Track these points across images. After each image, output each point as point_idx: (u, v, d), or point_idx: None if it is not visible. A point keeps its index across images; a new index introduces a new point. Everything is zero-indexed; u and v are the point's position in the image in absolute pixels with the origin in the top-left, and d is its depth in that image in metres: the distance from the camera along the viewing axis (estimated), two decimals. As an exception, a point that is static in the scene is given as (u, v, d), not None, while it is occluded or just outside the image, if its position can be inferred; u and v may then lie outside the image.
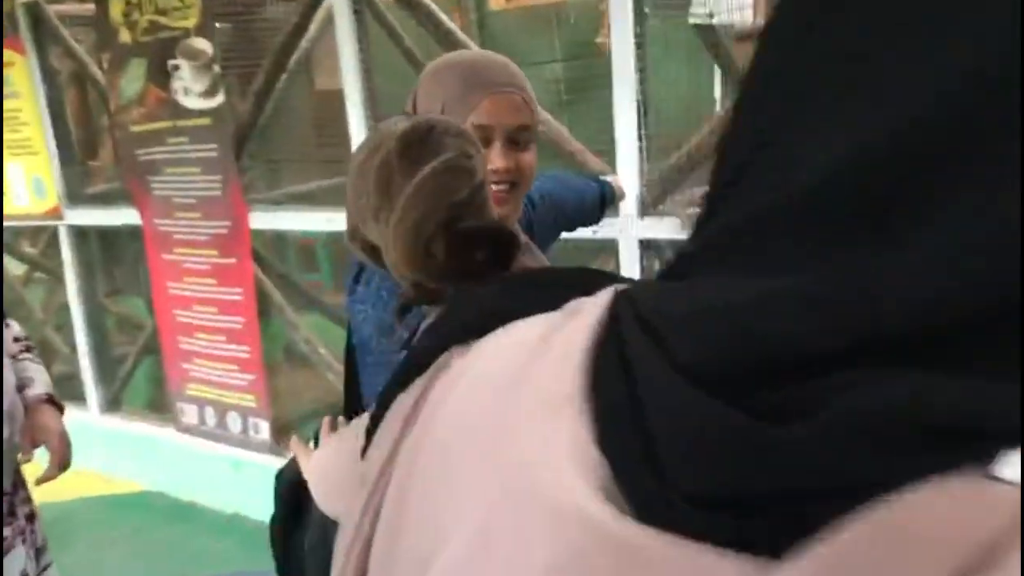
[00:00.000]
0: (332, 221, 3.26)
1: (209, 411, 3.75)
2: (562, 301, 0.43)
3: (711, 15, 2.61)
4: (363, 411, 1.48)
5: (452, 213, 0.99)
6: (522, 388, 0.38)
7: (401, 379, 0.47)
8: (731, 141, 0.39)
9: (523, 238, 1.49)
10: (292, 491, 1.60)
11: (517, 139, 1.32)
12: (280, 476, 1.62)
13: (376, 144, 1.06)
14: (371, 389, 1.41)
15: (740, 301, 0.32)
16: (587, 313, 0.39)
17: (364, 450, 0.49)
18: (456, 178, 1.01)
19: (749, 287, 0.33)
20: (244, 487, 3.77)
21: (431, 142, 1.02)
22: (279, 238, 4.44)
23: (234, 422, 3.69)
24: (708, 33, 2.93)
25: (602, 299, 0.40)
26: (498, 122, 1.29)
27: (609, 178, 2.09)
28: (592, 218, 1.94)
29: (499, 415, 0.39)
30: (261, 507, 3.67)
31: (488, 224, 1.03)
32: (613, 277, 0.45)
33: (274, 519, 1.64)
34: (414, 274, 1.02)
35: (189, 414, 3.84)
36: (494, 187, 1.33)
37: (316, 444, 1.60)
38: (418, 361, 0.46)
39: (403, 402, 0.46)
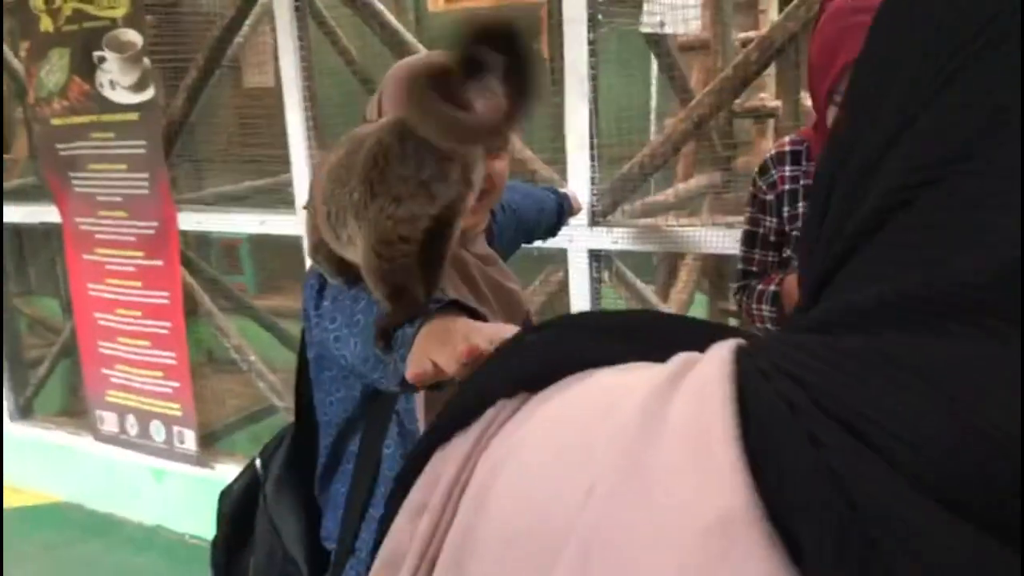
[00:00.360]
0: (265, 223, 3.15)
1: (131, 419, 3.58)
2: (651, 353, 0.37)
3: (662, 24, 2.60)
4: (316, 429, 1.41)
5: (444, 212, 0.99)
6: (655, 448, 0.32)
7: (459, 417, 0.41)
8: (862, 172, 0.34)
9: (490, 251, 1.44)
10: (238, 510, 1.52)
11: (494, 148, 1.28)
12: (225, 495, 1.54)
13: (357, 143, 1.02)
14: (326, 406, 1.35)
15: (990, 398, 0.26)
16: (708, 378, 0.33)
17: (408, 469, 0.43)
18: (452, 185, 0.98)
19: (980, 368, 0.27)
20: (167, 498, 3.62)
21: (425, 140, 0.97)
22: (203, 239, 4.29)
23: (157, 431, 3.53)
24: (658, 42, 2.94)
25: (721, 359, 0.34)
26: None
27: (566, 190, 2.06)
28: (550, 230, 1.91)
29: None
30: (185, 519, 3.57)
31: None
32: (713, 330, 0.39)
33: (216, 539, 1.55)
34: (381, 261, 1.01)
35: (109, 422, 3.66)
36: None
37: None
38: (473, 403, 0.41)
39: (458, 445, 0.40)
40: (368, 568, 1.38)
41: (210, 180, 3.98)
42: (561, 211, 1.92)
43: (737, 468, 0.29)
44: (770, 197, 1.73)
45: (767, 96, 3.22)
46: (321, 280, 1.22)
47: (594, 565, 0.30)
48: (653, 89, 4.19)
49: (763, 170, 1.75)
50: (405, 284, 1.03)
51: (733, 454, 0.29)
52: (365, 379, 1.15)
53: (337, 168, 1.04)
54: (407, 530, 0.40)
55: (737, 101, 3.21)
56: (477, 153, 1.05)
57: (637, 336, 0.41)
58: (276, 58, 4.03)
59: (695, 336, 0.37)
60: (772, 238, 1.76)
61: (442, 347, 0.91)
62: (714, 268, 3.30)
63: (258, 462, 1.52)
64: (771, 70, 3.23)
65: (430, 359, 0.91)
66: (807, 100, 3.77)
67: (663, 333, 0.41)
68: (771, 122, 3.27)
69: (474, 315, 1.00)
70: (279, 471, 1.48)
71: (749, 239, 1.79)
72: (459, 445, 0.40)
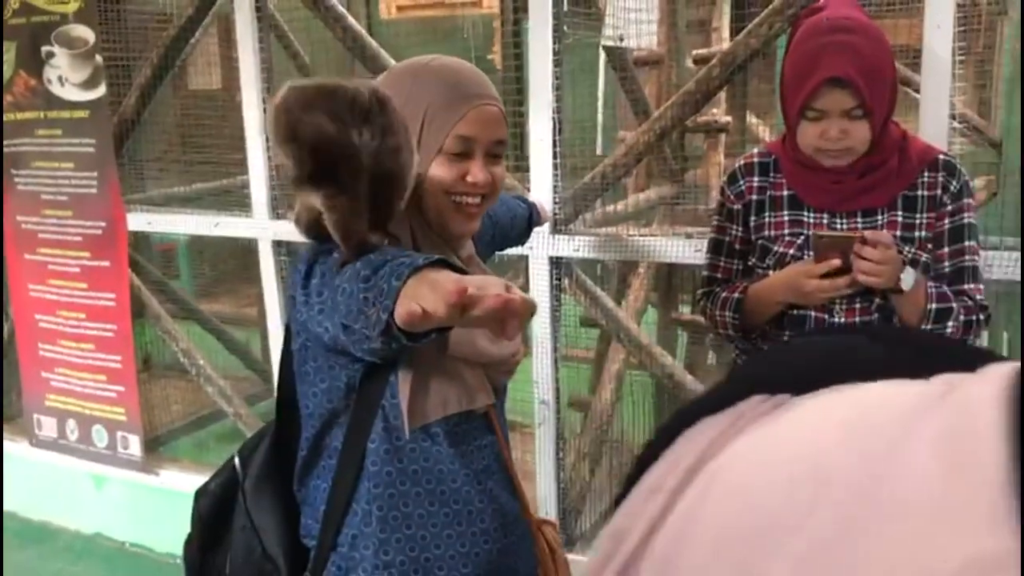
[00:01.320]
0: (220, 225, 3.11)
1: (71, 423, 3.49)
2: (921, 370, 0.34)
3: (622, 38, 2.65)
4: (298, 425, 1.41)
5: None
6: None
7: (711, 404, 0.40)
8: None
9: (473, 252, 1.47)
10: (214, 508, 1.51)
11: (494, 152, 1.30)
12: (201, 494, 1.52)
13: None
14: (309, 398, 1.35)
15: None
16: (978, 400, 0.29)
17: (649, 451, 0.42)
18: None
19: None
20: (107, 505, 3.53)
21: None
22: (142, 242, 4.21)
23: (99, 436, 3.44)
24: (617, 55, 3.00)
25: (998, 379, 0.30)
26: (482, 134, 1.29)
27: (534, 200, 2.09)
28: (520, 238, 1.94)
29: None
30: (126, 527, 3.49)
31: None
32: (989, 356, 0.36)
33: (190, 538, 1.54)
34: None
35: (47, 427, 3.56)
36: (468, 200, 1.30)
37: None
38: (729, 393, 0.40)
39: (703, 431, 0.39)
40: (350, 562, 1.38)
41: (158, 181, 3.91)
42: (531, 220, 1.95)
43: (1001, 506, 0.25)
44: (738, 206, 1.78)
45: (718, 112, 3.30)
46: (308, 265, 1.23)
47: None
48: (600, 103, 4.27)
49: (732, 179, 1.80)
50: (354, 227, 1.16)
51: (998, 489, 0.26)
52: (347, 348, 1.18)
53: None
54: (639, 508, 0.39)
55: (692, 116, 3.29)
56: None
57: (925, 355, 0.38)
58: (222, 61, 4.02)
59: (970, 358, 0.35)
60: (738, 246, 1.81)
61: (431, 292, 0.96)
62: (665, 278, 3.37)
63: (236, 460, 1.51)
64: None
65: (418, 303, 0.95)
66: (751, 117, 3.89)
67: (944, 353, 0.38)
68: (722, 137, 3.35)
69: (460, 273, 1.04)
70: (259, 468, 1.48)
71: (715, 246, 1.84)
72: (705, 431, 0.39)
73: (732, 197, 1.79)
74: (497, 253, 2.44)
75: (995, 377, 0.30)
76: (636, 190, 3.42)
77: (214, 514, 1.50)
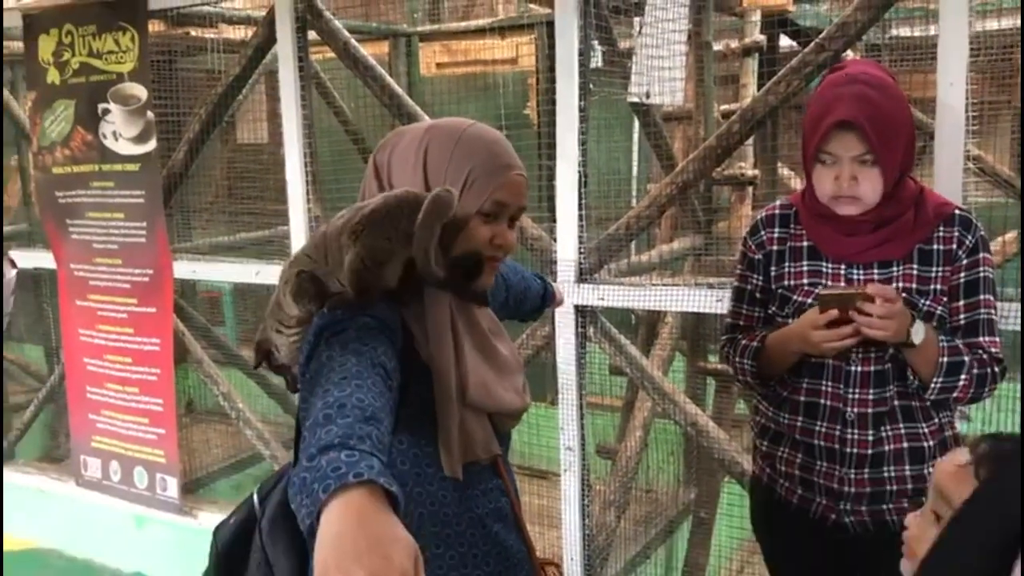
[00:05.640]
0: (260, 274, 3.23)
1: (114, 465, 3.61)
2: None
3: (648, 95, 2.74)
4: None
5: None
6: None
7: None
8: None
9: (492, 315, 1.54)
10: (232, 545, 1.56)
11: (516, 216, 1.40)
12: (219, 529, 1.57)
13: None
14: None
15: None
16: None
17: None
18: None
19: None
20: (147, 545, 3.62)
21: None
22: (189, 289, 4.36)
23: (140, 477, 3.55)
24: (645, 112, 3.09)
25: None
26: (514, 201, 1.38)
27: (551, 282, 2.13)
28: (531, 312, 1.98)
29: None
30: (165, 566, 3.57)
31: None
32: None
33: (207, 573, 1.59)
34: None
35: (92, 467, 3.68)
36: (492, 259, 1.39)
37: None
38: None
39: None
40: None
41: (205, 231, 4.08)
42: (544, 298, 2.00)
43: None
44: (758, 256, 1.84)
45: (745, 165, 3.37)
46: (310, 349, 1.26)
47: None
48: (635, 156, 4.36)
49: (754, 231, 1.86)
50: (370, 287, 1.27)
51: None
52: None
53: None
54: None
55: (717, 169, 3.36)
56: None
57: None
58: (269, 116, 4.19)
59: None
60: (758, 295, 1.86)
61: (355, 559, 0.85)
62: (693, 328, 3.41)
63: (255, 497, 1.56)
64: (750, 141, 3.39)
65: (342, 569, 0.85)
66: (783, 169, 3.95)
67: None
68: (750, 190, 3.42)
69: (391, 500, 0.94)
70: (275, 508, 1.52)
71: (738, 294, 1.90)
72: None
73: (753, 247, 1.85)
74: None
75: None
76: (664, 241, 3.48)
77: (231, 550, 1.54)
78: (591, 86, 2.52)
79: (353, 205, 1.35)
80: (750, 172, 3.37)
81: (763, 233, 1.84)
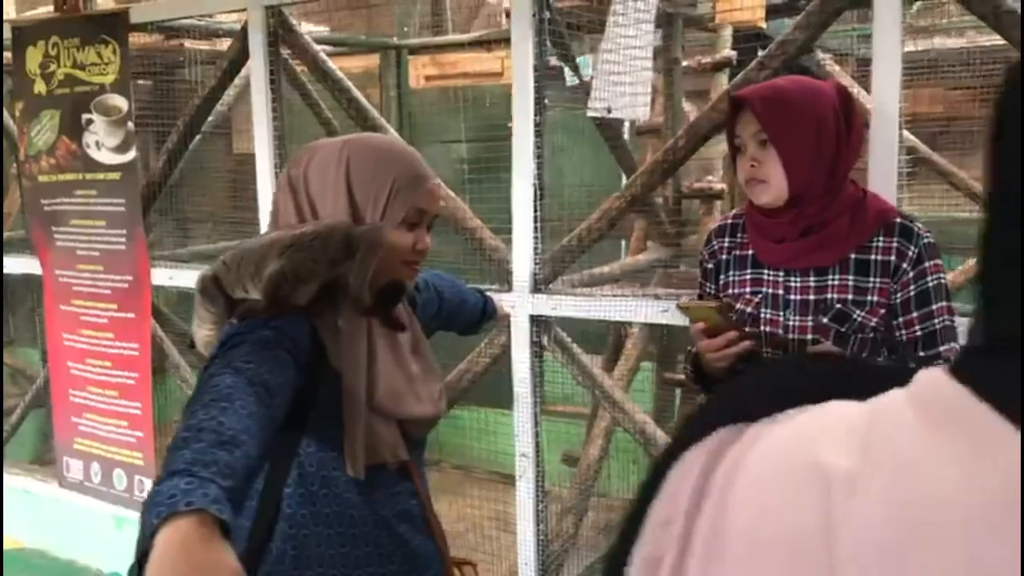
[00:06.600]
0: (236, 281, 3.29)
1: (95, 467, 3.69)
2: (861, 392, 0.43)
3: (608, 109, 2.78)
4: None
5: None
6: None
7: (686, 443, 0.48)
8: None
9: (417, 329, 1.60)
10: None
11: (431, 224, 1.50)
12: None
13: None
14: None
15: None
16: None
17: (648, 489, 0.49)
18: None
19: None
20: (127, 546, 3.67)
21: None
22: (184, 296, 4.44)
23: (119, 479, 3.63)
24: (605, 125, 3.14)
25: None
26: (433, 208, 1.49)
27: (490, 296, 2.18)
28: (470, 325, 2.04)
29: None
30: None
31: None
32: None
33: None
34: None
35: (75, 469, 3.76)
36: (414, 263, 1.48)
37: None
38: (697, 431, 0.48)
39: (690, 463, 0.47)
40: None
41: (188, 239, 4.16)
42: (484, 312, 2.05)
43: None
44: (710, 265, 1.88)
45: (713, 179, 3.41)
46: (208, 359, 1.31)
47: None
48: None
49: (707, 241, 1.91)
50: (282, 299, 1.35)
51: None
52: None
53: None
54: (660, 537, 0.46)
55: (685, 183, 3.41)
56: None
57: (843, 381, 0.47)
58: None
59: (890, 379, 0.44)
60: None
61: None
62: (660, 338, 3.45)
63: None
64: (719, 154, 3.44)
65: None
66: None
67: (863, 379, 0.47)
68: (718, 203, 3.46)
69: (224, 528, 0.98)
70: None
71: None
72: (691, 463, 0.47)
73: (707, 256, 1.89)
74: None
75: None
76: (634, 253, 3.53)
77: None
78: (545, 100, 2.58)
79: (282, 227, 1.44)
80: (718, 186, 3.41)
81: (715, 243, 1.88)
